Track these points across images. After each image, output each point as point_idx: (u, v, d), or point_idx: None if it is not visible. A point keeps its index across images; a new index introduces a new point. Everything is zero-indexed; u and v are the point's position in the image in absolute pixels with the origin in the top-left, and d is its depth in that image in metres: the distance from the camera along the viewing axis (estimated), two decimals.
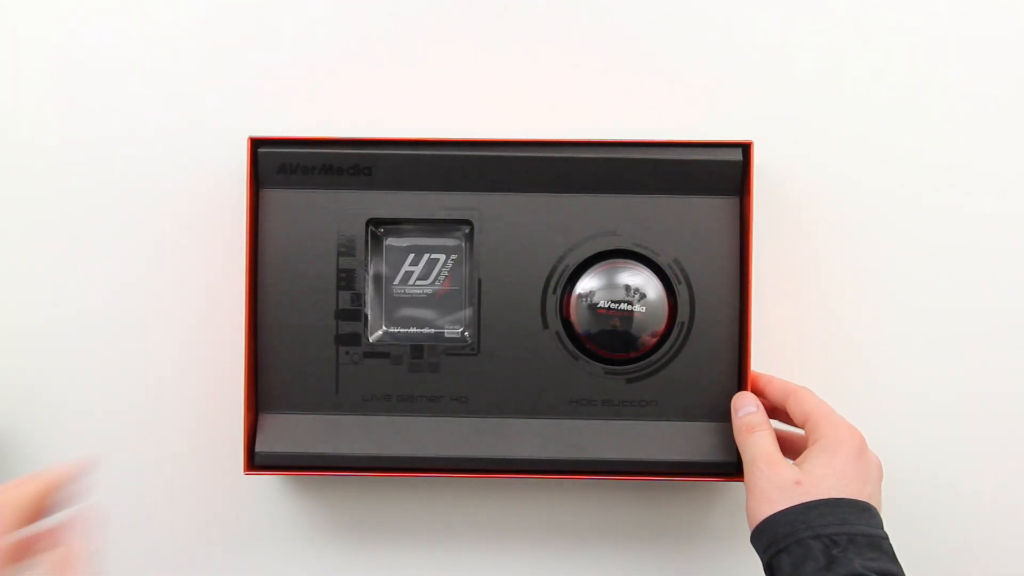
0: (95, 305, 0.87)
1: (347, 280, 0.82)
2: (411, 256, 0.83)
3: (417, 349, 0.82)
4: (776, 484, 0.73)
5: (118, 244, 0.86)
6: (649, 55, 0.85)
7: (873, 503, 0.72)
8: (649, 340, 0.81)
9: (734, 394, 0.81)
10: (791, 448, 0.79)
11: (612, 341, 0.81)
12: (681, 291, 0.81)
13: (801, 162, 0.85)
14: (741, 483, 0.80)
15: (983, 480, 0.86)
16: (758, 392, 0.80)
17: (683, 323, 0.81)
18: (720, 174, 0.80)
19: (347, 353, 0.82)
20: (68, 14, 0.87)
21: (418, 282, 0.83)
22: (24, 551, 0.67)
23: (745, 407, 0.79)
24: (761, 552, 0.73)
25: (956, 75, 0.85)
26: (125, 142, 0.86)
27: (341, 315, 0.82)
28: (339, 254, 0.81)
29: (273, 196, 0.81)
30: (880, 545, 0.70)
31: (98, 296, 0.87)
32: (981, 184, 0.85)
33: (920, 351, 0.85)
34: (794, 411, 0.77)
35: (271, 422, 0.82)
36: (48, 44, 0.86)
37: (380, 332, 0.83)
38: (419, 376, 0.82)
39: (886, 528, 0.72)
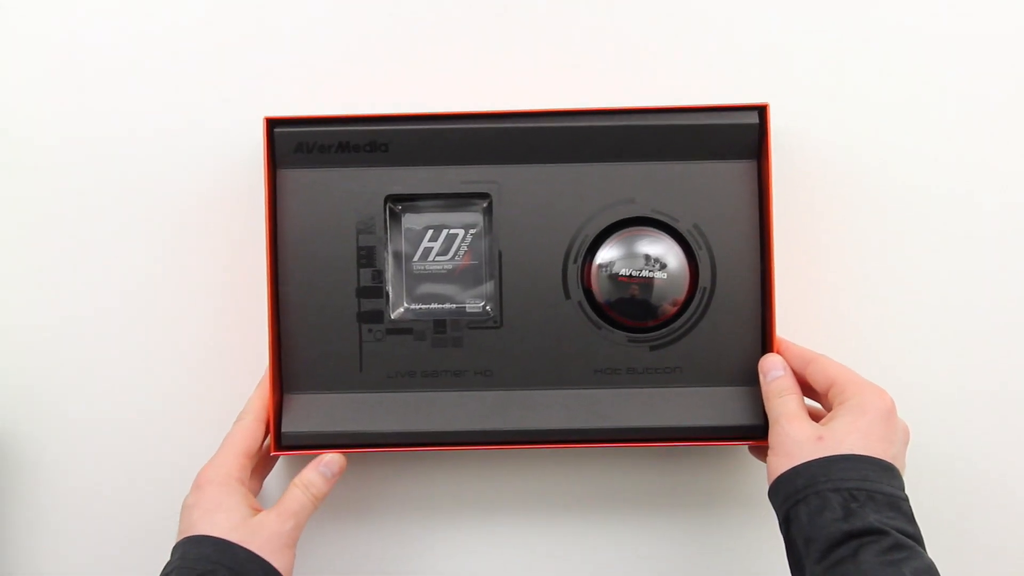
0: (117, 293, 0.86)
1: (367, 258, 0.81)
2: (430, 232, 0.83)
3: (440, 324, 0.82)
4: (797, 440, 0.73)
5: (135, 236, 0.86)
6: (663, 23, 0.85)
7: (897, 465, 0.72)
8: (671, 307, 0.81)
9: (758, 357, 0.81)
10: (814, 419, 0.78)
11: (634, 309, 0.81)
12: (702, 256, 0.81)
13: (818, 124, 0.85)
14: (762, 446, 0.81)
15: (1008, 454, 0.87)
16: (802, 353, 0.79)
17: (705, 288, 0.81)
18: (737, 138, 0.80)
19: (370, 331, 0.81)
20: (71, 12, 0.86)
21: (438, 258, 0.83)
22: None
23: (773, 370, 0.79)
24: (778, 506, 0.73)
25: (977, 36, 0.86)
26: (137, 135, 0.86)
27: (362, 293, 0.81)
28: (358, 232, 0.81)
29: (290, 176, 0.81)
30: (899, 506, 0.70)
31: (119, 285, 0.86)
32: (1001, 146, 0.86)
33: (944, 308, 0.86)
34: (815, 378, 0.77)
35: (297, 402, 0.81)
36: (57, 42, 0.86)
37: (402, 309, 0.82)
38: (443, 351, 0.82)
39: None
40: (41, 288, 0.86)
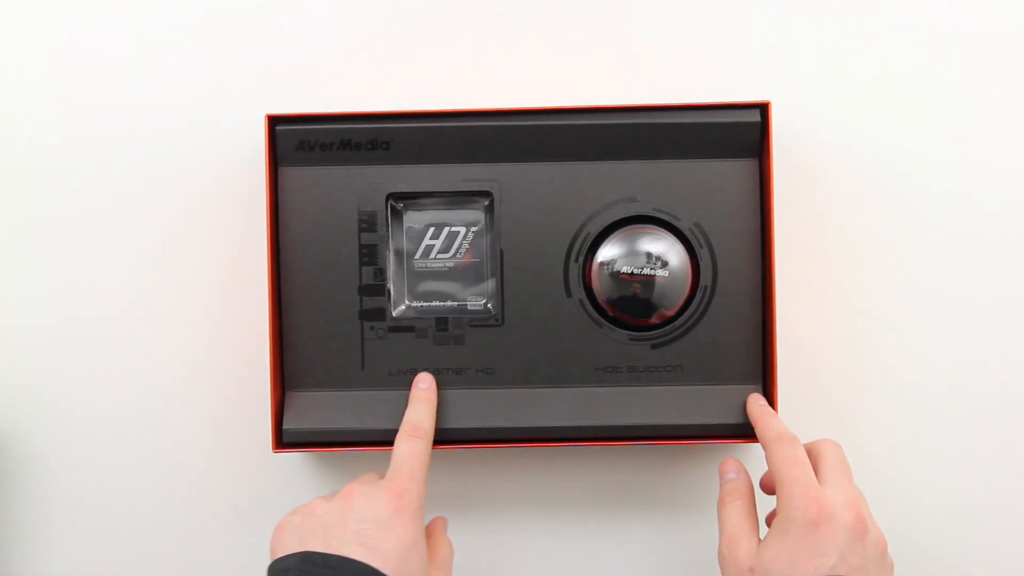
0: (117, 292, 0.86)
1: (369, 255, 0.81)
2: (432, 229, 0.83)
3: (441, 322, 0.82)
4: (733, 571, 0.71)
5: (135, 236, 0.86)
6: (664, 20, 0.85)
7: (839, 572, 0.69)
8: (672, 305, 0.81)
9: (759, 356, 0.81)
10: None
11: (635, 307, 0.81)
12: (703, 255, 0.81)
13: (819, 122, 0.85)
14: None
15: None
16: (753, 423, 0.79)
17: (706, 287, 0.82)
18: (738, 136, 0.80)
19: (372, 328, 0.81)
20: (71, 12, 0.86)
21: (439, 255, 0.83)
22: None
23: (727, 473, 0.77)
24: None
25: (977, 36, 0.85)
26: (137, 134, 0.86)
27: (364, 291, 0.81)
28: (360, 229, 0.81)
29: (292, 174, 0.81)
30: None
31: (119, 284, 0.86)
32: (1001, 145, 0.86)
33: (945, 307, 0.86)
34: (768, 466, 0.75)
35: (298, 400, 0.81)
36: (57, 42, 0.86)
37: (403, 306, 0.82)
38: (444, 349, 0.82)
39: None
40: (41, 287, 0.86)
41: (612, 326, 0.82)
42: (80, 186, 0.86)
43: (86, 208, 0.86)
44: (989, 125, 0.85)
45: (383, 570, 0.68)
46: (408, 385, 0.81)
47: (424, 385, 0.80)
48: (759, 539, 0.72)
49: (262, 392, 0.83)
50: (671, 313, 0.82)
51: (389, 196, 0.82)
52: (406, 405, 0.80)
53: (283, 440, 0.81)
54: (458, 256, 0.83)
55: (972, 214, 0.86)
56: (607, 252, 0.81)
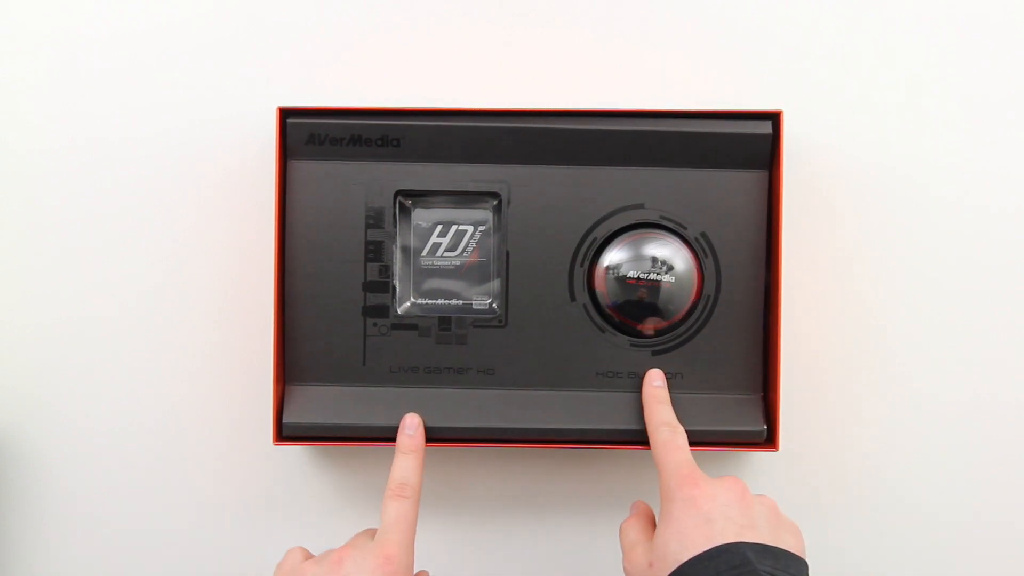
0: (121, 286, 0.86)
1: (375, 252, 0.81)
2: (439, 228, 0.83)
3: (445, 321, 0.82)
4: (636, 573, 0.72)
5: (139, 228, 0.86)
6: (677, 25, 0.85)
7: (729, 534, 0.68)
8: (676, 312, 0.82)
9: (759, 367, 0.82)
10: None
11: (640, 312, 0.81)
12: (708, 264, 0.82)
13: (830, 134, 0.85)
14: (763, 453, 0.83)
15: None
16: (644, 405, 0.80)
17: (709, 296, 0.82)
18: (749, 147, 0.80)
19: (375, 325, 0.82)
20: (79, 8, 0.86)
21: (446, 254, 0.83)
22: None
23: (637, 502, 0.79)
24: None
25: (996, 47, 0.85)
26: (145, 129, 0.86)
27: (369, 287, 0.82)
28: (367, 226, 0.81)
29: (301, 167, 0.81)
30: (750, 573, 0.67)
31: (123, 278, 0.86)
32: (1018, 158, 0.85)
33: (956, 325, 0.85)
34: (652, 452, 0.76)
35: (299, 393, 0.81)
36: (65, 38, 0.86)
37: (408, 304, 0.83)
38: (446, 348, 0.82)
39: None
40: (45, 283, 0.86)
41: (614, 331, 0.82)
42: (85, 183, 0.86)
43: (88, 205, 0.86)
44: (1009, 138, 0.85)
45: None
46: (409, 383, 0.82)
47: (410, 432, 0.79)
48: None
49: (264, 385, 0.83)
50: (673, 321, 0.82)
51: (398, 193, 0.82)
52: (407, 403, 0.80)
53: (283, 434, 0.81)
54: (464, 255, 0.83)
55: (988, 229, 0.85)
56: (614, 256, 0.81)
